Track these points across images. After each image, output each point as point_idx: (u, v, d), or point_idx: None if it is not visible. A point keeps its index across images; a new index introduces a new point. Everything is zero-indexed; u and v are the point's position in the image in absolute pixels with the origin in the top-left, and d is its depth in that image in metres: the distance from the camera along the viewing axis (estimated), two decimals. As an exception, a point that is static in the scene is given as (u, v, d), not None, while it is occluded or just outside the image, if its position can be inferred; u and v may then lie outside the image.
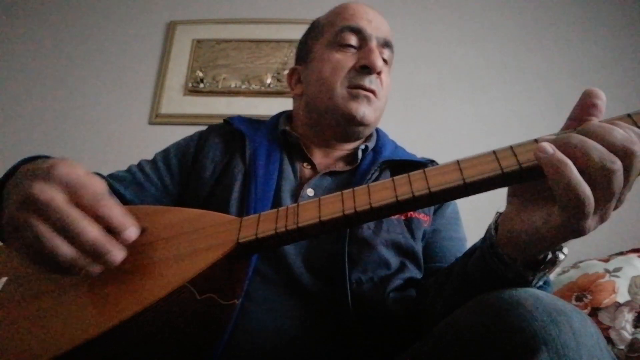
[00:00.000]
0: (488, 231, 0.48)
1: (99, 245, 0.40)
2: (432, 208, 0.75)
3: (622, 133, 0.36)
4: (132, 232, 0.42)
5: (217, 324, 0.50)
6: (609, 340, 0.96)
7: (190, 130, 0.86)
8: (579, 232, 0.38)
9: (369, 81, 0.73)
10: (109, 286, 0.44)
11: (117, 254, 0.41)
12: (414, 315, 0.63)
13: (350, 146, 0.80)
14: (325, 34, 0.80)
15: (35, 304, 0.46)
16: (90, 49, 1.85)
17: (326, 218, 0.43)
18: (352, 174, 0.74)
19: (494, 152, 0.41)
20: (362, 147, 0.77)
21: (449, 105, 1.69)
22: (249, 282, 0.59)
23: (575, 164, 0.36)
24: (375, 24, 0.77)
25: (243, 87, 1.74)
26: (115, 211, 0.41)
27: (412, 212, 0.70)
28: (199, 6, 1.89)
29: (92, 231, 0.39)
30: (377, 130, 0.85)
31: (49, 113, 1.75)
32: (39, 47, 1.87)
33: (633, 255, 1.13)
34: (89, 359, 0.41)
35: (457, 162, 0.42)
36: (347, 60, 0.75)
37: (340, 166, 0.76)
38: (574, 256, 1.24)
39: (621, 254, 1.17)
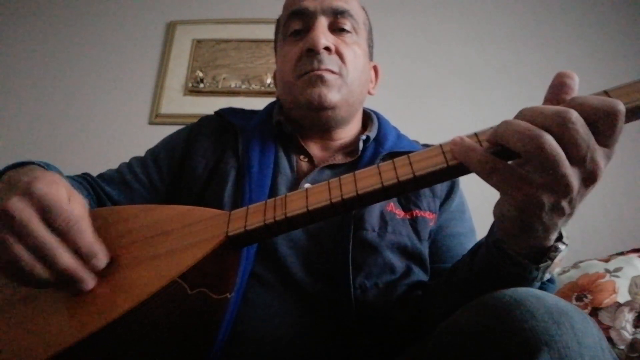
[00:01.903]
0: (491, 228, 0.48)
1: (71, 273, 0.41)
2: (438, 203, 0.72)
3: (551, 107, 0.37)
4: (98, 262, 0.43)
5: (210, 319, 0.49)
6: (610, 340, 0.96)
7: (190, 130, 0.85)
8: (521, 205, 0.39)
9: (318, 61, 0.68)
10: (99, 286, 0.44)
11: (87, 283, 0.42)
12: (418, 317, 0.61)
13: (345, 135, 0.76)
14: (281, 29, 0.78)
15: (23, 308, 0.46)
16: (90, 49, 1.85)
17: (313, 207, 0.44)
18: (353, 167, 0.70)
19: (475, 134, 0.41)
20: (363, 137, 0.73)
21: (449, 105, 1.69)
22: (246, 286, 0.58)
23: (510, 145, 0.38)
24: None
25: (243, 87, 1.74)
26: (84, 239, 0.42)
27: (417, 211, 0.67)
28: (198, 6, 1.89)
29: (65, 259, 0.41)
30: (378, 116, 0.81)
31: (49, 113, 1.75)
32: (38, 47, 1.87)
33: (633, 255, 1.13)
34: (82, 357, 0.41)
35: (440, 145, 0.42)
36: (295, 49, 0.71)
37: (340, 158, 0.72)
38: (575, 256, 1.24)
39: (621, 254, 1.17)
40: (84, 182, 0.70)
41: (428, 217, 0.68)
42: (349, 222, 0.62)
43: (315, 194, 0.45)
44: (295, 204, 0.45)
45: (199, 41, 1.83)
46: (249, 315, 0.56)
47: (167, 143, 0.79)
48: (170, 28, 1.86)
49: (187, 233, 0.47)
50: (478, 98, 1.69)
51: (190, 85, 1.75)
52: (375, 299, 0.59)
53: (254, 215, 0.46)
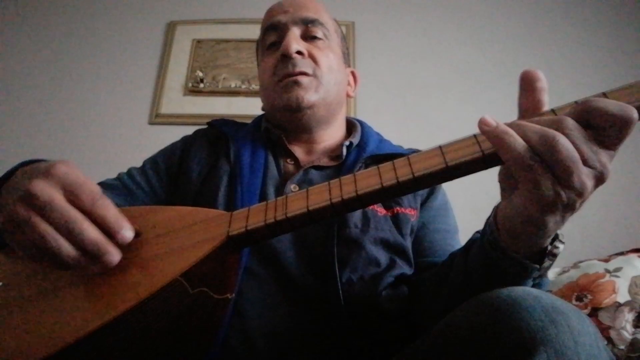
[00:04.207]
0: (487, 225, 0.48)
1: (98, 246, 0.41)
2: (419, 200, 0.75)
3: (546, 117, 0.38)
4: (126, 233, 0.43)
5: (211, 319, 0.50)
6: (609, 340, 0.96)
7: (190, 131, 0.87)
8: (546, 201, 0.38)
9: (292, 65, 0.73)
10: (102, 284, 0.44)
11: (115, 255, 0.43)
12: (407, 312, 0.63)
13: (329, 138, 0.80)
14: (259, 45, 0.84)
15: (30, 306, 0.46)
16: (90, 49, 1.85)
17: (314, 207, 0.44)
18: (338, 170, 0.74)
19: (474, 135, 0.42)
20: (347, 143, 0.77)
21: (449, 104, 1.69)
22: (241, 282, 0.60)
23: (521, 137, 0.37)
24: (292, 10, 0.78)
25: (243, 87, 1.74)
26: (110, 212, 0.42)
27: (398, 208, 0.70)
28: (199, 6, 1.89)
29: (92, 232, 0.41)
30: (362, 124, 0.85)
31: (49, 113, 1.76)
32: (38, 48, 1.87)
33: (633, 255, 1.12)
34: (84, 356, 0.41)
35: (440, 147, 0.43)
36: (271, 58, 0.77)
37: (325, 161, 0.76)
38: (574, 256, 1.24)
39: (621, 254, 1.17)
40: None
41: (409, 212, 0.71)
42: (333, 222, 0.64)
43: (315, 194, 0.45)
44: (296, 204, 0.45)
45: (199, 41, 1.83)
46: (244, 308, 0.59)
47: (165, 152, 0.83)
48: (170, 28, 1.86)
49: (189, 233, 0.47)
50: (478, 98, 1.69)
51: (190, 85, 1.75)
52: (363, 291, 0.61)
53: (255, 216, 0.47)
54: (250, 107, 1.70)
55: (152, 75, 1.79)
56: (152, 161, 0.81)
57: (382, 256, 0.65)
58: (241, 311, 0.58)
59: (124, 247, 0.46)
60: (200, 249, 0.45)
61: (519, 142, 0.37)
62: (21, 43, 1.89)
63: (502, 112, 1.89)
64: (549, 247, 0.44)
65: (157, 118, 1.71)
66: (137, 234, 0.47)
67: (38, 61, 1.85)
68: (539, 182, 0.37)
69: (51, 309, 0.45)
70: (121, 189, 0.75)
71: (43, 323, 0.43)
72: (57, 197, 0.41)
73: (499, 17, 1.81)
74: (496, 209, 0.47)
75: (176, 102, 1.73)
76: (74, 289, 0.45)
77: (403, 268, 0.67)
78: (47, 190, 0.40)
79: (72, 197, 0.41)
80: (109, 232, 0.42)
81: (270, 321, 0.58)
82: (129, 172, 0.79)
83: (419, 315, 0.62)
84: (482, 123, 0.39)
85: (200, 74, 1.76)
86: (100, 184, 0.76)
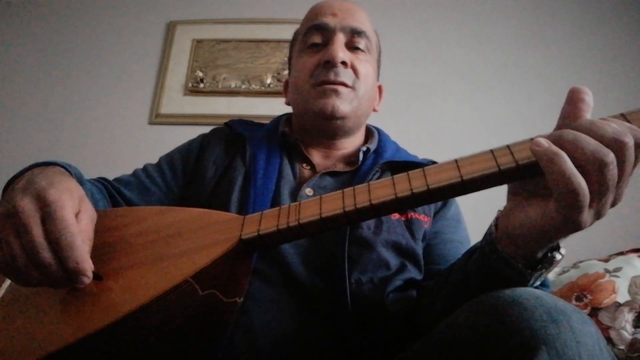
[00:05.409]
0: (489, 229, 0.48)
1: (54, 278, 0.43)
2: (432, 209, 0.75)
3: (612, 126, 0.37)
4: (80, 280, 0.44)
5: (219, 321, 0.50)
6: (609, 340, 0.96)
7: (191, 130, 0.87)
8: (575, 225, 0.38)
9: (334, 74, 0.73)
10: (113, 282, 0.45)
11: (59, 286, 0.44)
12: (413, 315, 0.63)
13: (348, 146, 0.80)
14: (298, 41, 0.82)
15: (38, 302, 0.46)
16: (90, 49, 1.85)
17: (327, 215, 0.44)
18: (353, 175, 0.74)
19: (491, 150, 0.41)
20: (364, 149, 0.77)
21: (449, 105, 1.69)
22: (248, 282, 0.59)
23: (569, 158, 0.37)
24: (341, 15, 0.77)
25: (243, 87, 1.74)
26: (72, 255, 0.43)
27: (412, 213, 0.70)
28: (198, 6, 1.89)
29: (52, 266, 0.42)
30: (379, 132, 0.86)
31: (49, 113, 1.75)
32: (38, 47, 1.87)
33: (633, 255, 1.13)
34: (92, 353, 0.41)
35: (455, 160, 0.42)
36: (312, 59, 0.76)
37: (341, 167, 0.76)
38: (574, 256, 1.24)
39: (621, 254, 1.17)
40: (102, 187, 0.72)
41: (422, 219, 0.71)
42: None
43: (329, 201, 0.45)
44: (309, 210, 0.46)
45: (199, 41, 1.83)
46: (252, 308, 0.58)
47: (182, 149, 0.83)
48: (170, 28, 1.86)
49: (202, 235, 0.47)
50: (478, 98, 1.69)
51: (190, 85, 1.75)
52: (371, 293, 0.61)
53: (268, 220, 0.47)
54: (250, 107, 1.70)
55: (152, 75, 1.79)
56: (169, 158, 0.81)
57: (393, 259, 0.65)
58: (247, 310, 0.58)
59: (136, 248, 0.47)
60: (212, 251, 0.45)
61: (568, 165, 0.36)
62: (21, 43, 1.88)
63: (502, 112, 1.89)
64: (548, 255, 0.45)
65: (157, 118, 1.71)
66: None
67: (38, 61, 1.85)
68: (578, 209, 0.37)
69: (56, 308, 0.45)
70: (137, 185, 0.76)
71: (46, 322, 0.44)
72: (32, 221, 0.42)
73: (499, 18, 1.80)
74: (499, 214, 0.47)
75: (176, 102, 1.73)
76: (78, 289, 0.45)
77: (412, 273, 0.67)
78: (28, 212, 0.42)
79: (47, 225, 0.43)
80: (66, 272, 0.43)
81: (275, 320, 0.58)
82: (145, 169, 0.80)
83: (420, 316, 0.62)
84: (534, 145, 0.38)
85: (200, 74, 1.76)
86: (116, 179, 0.76)
